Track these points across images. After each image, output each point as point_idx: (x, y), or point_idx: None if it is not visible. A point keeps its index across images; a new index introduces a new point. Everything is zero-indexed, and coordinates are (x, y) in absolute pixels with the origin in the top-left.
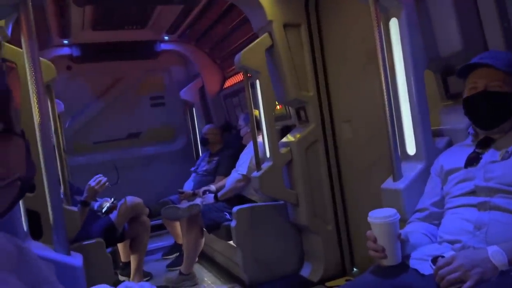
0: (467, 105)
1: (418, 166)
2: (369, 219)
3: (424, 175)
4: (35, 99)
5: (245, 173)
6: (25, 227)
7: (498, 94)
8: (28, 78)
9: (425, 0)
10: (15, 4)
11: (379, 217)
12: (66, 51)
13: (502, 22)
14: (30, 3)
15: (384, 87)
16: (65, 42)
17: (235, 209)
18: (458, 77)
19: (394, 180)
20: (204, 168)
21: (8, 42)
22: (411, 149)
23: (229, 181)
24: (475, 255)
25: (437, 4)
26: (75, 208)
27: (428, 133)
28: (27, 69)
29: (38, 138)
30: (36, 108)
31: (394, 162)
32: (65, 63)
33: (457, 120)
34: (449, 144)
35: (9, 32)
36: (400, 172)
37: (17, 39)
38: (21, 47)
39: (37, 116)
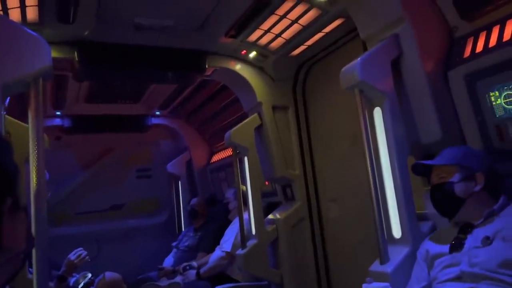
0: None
1: (404, 250)
2: None
3: (411, 258)
4: (34, 171)
5: (229, 250)
6: None
7: (441, 185)
8: (31, 150)
9: (406, 92)
10: (27, 82)
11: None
12: (57, 122)
13: (476, 116)
14: (41, 82)
15: (370, 172)
16: (57, 113)
17: None
18: (416, 174)
19: (381, 263)
20: (186, 244)
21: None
22: (397, 232)
23: (213, 258)
24: None
25: (417, 97)
26: (51, 284)
27: (413, 217)
28: (31, 142)
29: (33, 209)
30: (34, 179)
31: (381, 246)
32: (54, 134)
33: None
34: (433, 228)
35: (6, 103)
36: (387, 255)
37: (10, 108)
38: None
39: (34, 187)
